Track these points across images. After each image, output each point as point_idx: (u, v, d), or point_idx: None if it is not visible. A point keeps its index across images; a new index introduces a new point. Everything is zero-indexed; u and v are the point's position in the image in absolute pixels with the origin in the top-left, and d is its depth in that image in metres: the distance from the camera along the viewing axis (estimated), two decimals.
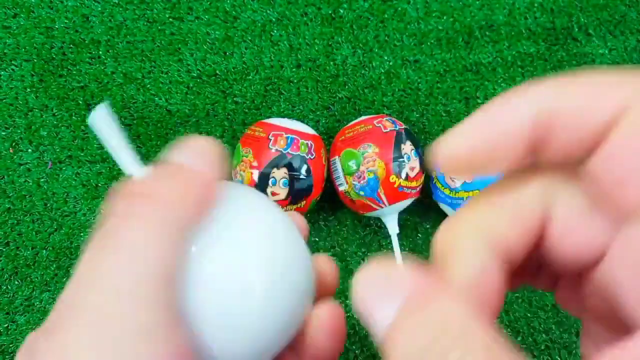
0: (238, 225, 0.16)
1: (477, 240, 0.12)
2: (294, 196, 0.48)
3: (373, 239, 0.55)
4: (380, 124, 0.50)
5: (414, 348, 0.10)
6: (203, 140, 0.16)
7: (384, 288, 0.12)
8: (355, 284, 0.12)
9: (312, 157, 0.49)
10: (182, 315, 0.14)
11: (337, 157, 0.50)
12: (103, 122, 0.14)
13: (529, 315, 0.54)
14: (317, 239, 0.55)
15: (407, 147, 0.49)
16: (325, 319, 0.18)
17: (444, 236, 0.13)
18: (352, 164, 0.48)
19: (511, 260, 0.12)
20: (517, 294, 0.54)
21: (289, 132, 0.49)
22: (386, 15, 0.58)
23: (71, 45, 0.57)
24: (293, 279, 0.16)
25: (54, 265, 0.54)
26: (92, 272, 0.13)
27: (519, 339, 0.54)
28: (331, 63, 0.57)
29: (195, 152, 0.15)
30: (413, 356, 0.11)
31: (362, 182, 0.48)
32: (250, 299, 0.15)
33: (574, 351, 0.53)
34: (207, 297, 0.15)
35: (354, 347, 0.51)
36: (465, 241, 0.12)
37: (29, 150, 0.55)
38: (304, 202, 0.49)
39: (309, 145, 0.49)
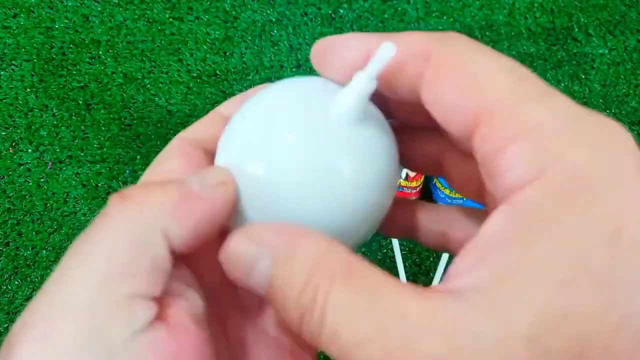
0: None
1: None
2: None
3: (373, 239, 0.55)
4: None
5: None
6: (217, 171, 0.15)
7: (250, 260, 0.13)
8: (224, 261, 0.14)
9: None
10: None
11: None
12: None
13: None
14: None
15: None
16: None
17: None
18: None
19: None
20: None
21: None
22: (386, 15, 0.58)
23: (71, 45, 0.57)
24: (379, 167, 0.16)
25: (54, 265, 0.54)
26: (60, 279, 0.13)
27: None
28: None
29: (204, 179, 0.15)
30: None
31: None
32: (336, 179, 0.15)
33: None
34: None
35: None
36: None
37: (29, 150, 0.55)
38: None
39: None
